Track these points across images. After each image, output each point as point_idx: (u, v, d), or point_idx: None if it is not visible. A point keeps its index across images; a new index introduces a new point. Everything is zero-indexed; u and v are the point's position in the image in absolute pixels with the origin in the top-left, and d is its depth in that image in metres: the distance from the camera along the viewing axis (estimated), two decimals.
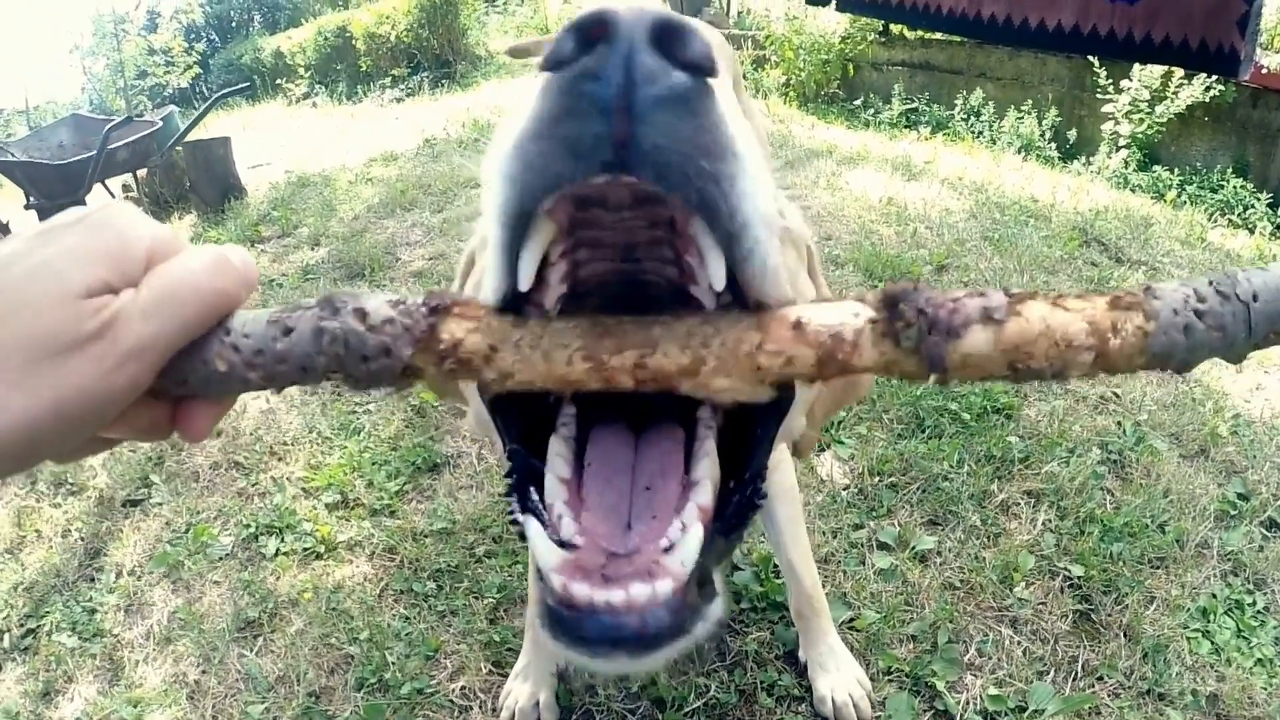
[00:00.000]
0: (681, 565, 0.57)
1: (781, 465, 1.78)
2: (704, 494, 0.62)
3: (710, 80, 0.50)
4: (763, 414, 0.66)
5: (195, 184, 6.11)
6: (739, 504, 0.66)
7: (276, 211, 5.23)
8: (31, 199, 6.03)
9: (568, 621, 0.55)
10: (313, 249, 4.53)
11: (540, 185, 0.51)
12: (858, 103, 7.47)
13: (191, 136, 6.50)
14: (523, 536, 0.63)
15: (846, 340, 0.53)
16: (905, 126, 6.97)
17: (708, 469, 0.63)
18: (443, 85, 10.26)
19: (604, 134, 0.48)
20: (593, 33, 0.48)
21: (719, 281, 0.54)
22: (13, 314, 0.49)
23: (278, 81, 13.80)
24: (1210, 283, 0.54)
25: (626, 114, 0.48)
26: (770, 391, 0.56)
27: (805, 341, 0.53)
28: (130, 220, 0.54)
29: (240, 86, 8.21)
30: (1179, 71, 5.91)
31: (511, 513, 0.66)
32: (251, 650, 2.08)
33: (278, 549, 2.39)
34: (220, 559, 2.39)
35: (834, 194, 4.64)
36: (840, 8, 7.31)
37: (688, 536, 0.58)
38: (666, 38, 0.48)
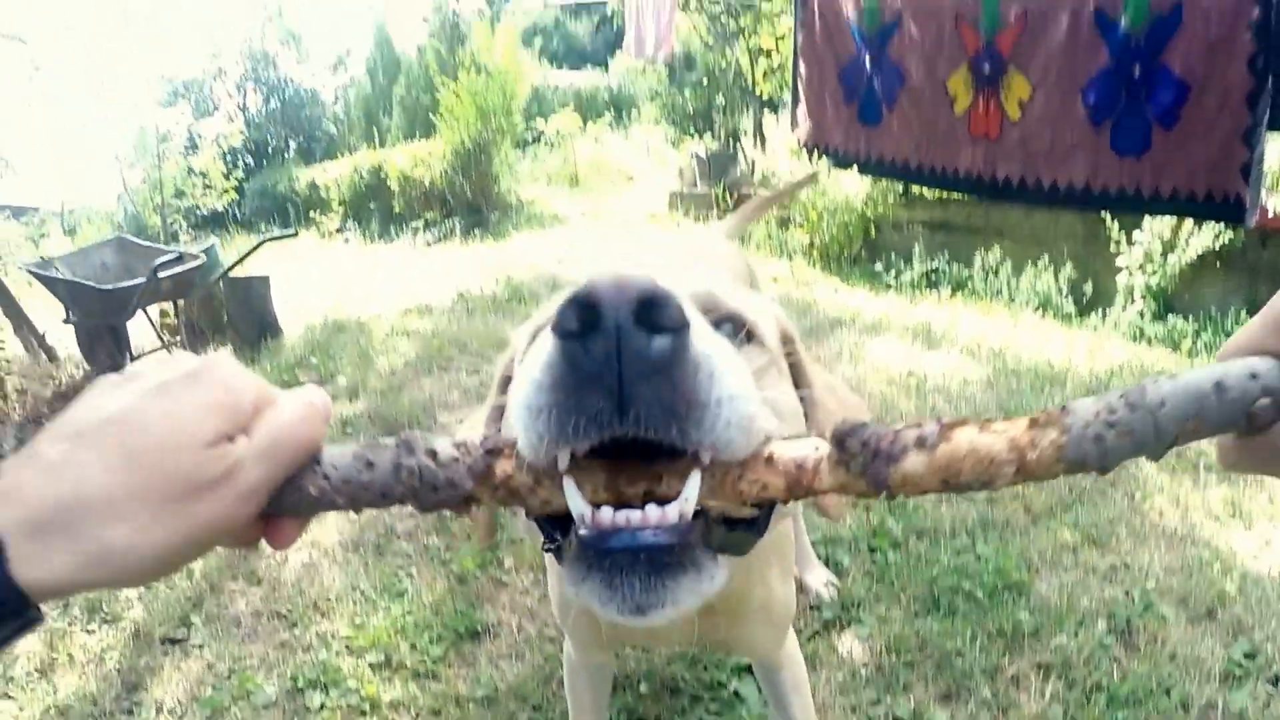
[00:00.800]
0: (686, 502, 0.69)
1: (792, 661, 1.83)
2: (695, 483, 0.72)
3: (685, 332, 0.66)
4: (746, 522, 0.79)
5: (233, 319, 6.39)
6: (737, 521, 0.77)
7: (314, 357, 5.45)
8: (71, 315, 6.31)
9: (593, 543, 0.69)
10: (350, 401, 4.74)
11: (558, 439, 0.67)
12: (879, 266, 7.81)
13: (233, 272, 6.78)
14: (556, 554, 0.79)
15: (808, 469, 0.69)
16: (926, 287, 7.27)
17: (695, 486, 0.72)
18: (475, 233, 10.57)
19: (605, 407, 0.65)
20: (587, 310, 0.63)
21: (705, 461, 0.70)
22: (154, 460, 0.61)
23: (310, 214, 14.26)
24: (1121, 395, 0.64)
25: (619, 382, 0.64)
26: (752, 510, 0.73)
27: (775, 471, 0.70)
28: (237, 375, 0.67)
29: (287, 233, 8.48)
30: (1189, 221, 6.17)
31: (545, 546, 0.84)
32: None
33: (323, 703, 2.49)
34: (265, 707, 2.50)
35: (856, 366, 4.97)
36: (864, 171, 7.81)
37: (689, 485, 0.69)
38: (645, 310, 0.63)
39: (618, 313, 0.62)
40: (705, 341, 0.68)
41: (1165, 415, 0.63)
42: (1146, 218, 6.33)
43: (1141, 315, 6.30)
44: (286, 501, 0.70)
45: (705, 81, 11.84)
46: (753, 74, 10.54)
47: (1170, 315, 6.27)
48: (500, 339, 5.52)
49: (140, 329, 6.44)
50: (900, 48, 7.34)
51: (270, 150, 19.30)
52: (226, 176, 15.06)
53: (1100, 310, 6.57)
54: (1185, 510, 3.52)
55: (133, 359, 5.56)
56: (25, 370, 6.17)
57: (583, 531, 0.69)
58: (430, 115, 13.07)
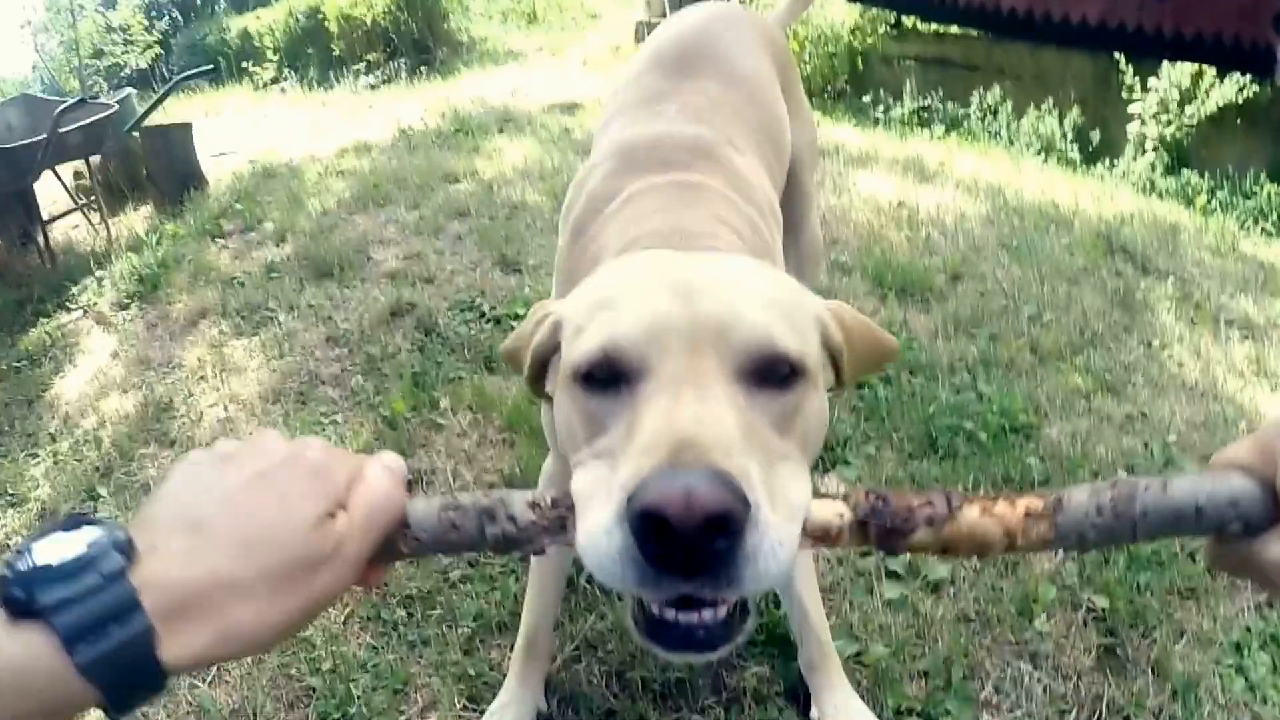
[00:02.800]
0: (727, 601, 0.88)
1: None
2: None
3: (743, 530, 0.78)
4: None
5: (153, 173, 6.09)
6: None
7: (240, 204, 5.21)
8: None
9: (659, 631, 0.89)
10: (278, 245, 4.53)
11: (636, 590, 0.85)
12: (867, 99, 7.49)
13: (150, 121, 6.44)
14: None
15: (832, 533, 0.84)
16: (917, 125, 7.00)
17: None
18: (421, 73, 10.20)
19: (676, 584, 0.82)
20: (660, 525, 0.76)
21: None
22: (271, 547, 0.71)
23: (244, 65, 13.68)
24: (1111, 499, 0.78)
25: (687, 563, 0.79)
26: None
27: (804, 535, 0.84)
28: (329, 456, 0.79)
29: (203, 69, 8.11)
30: (1210, 70, 5.91)
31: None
32: (204, 682, 2.06)
33: None
34: None
35: (841, 196, 4.66)
36: None
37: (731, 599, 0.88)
38: (712, 525, 0.76)
39: (689, 530, 0.75)
40: (758, 529, 0.79)
41: (1145, 524, 0.77)
42: (1165, 64, 6.01)
43: (1153, 167, 6.08)
44: (379, 557, 0.82)
45: None
46: None
47: (1184, 170, 6.05)
48: (445, 172, 5.24)
49: (52, 193, 6.06)
50: None
51: (199, 1, 18.27)
52: (149, 29, 14.26)
53: (1108, 160, 6.34)
54: (1207, 363, 3.32)
55: (44, 225, 5.43)
56: None
57: (655, 611, 0.89)
58: None
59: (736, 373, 0.96)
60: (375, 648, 2.10)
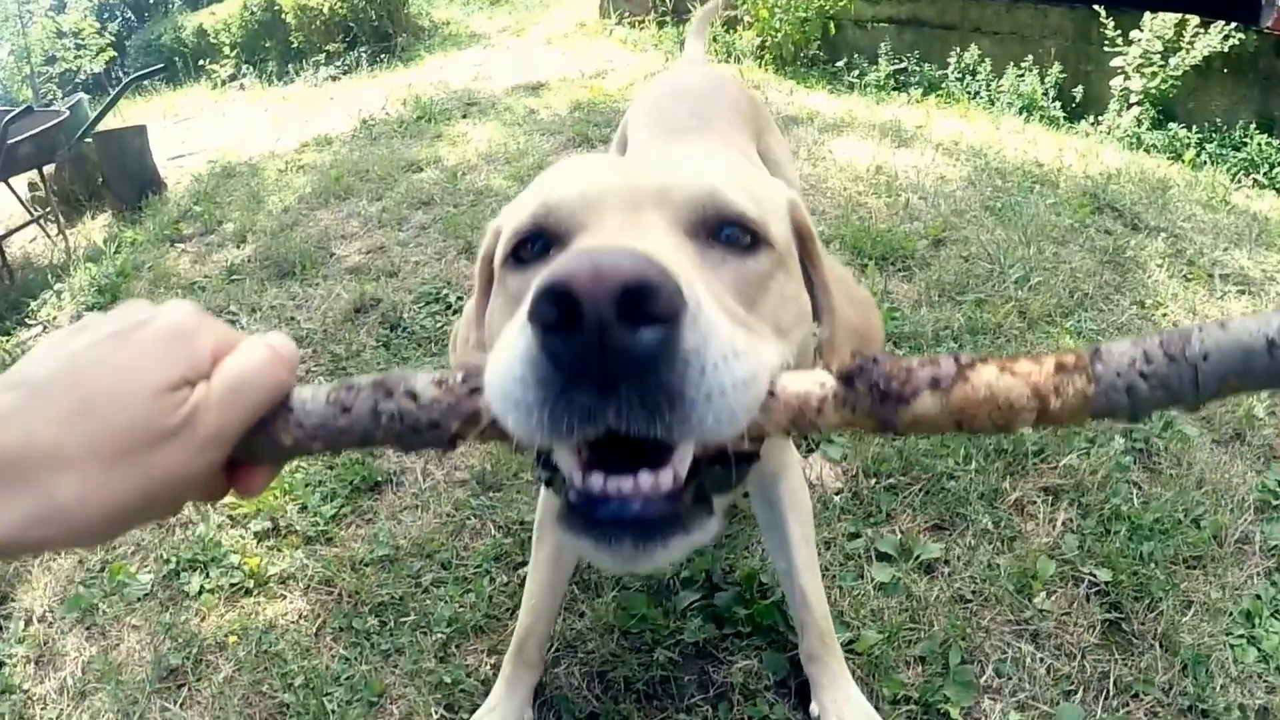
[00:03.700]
0: (680, 465, 0.73)
1: (790, 470, 1.81)
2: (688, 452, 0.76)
3: (676, 321, 0.65)
4: (741, 453, 0.80)
5: (109, 179, 6.00)
6: (727, 457, 0.78)
7: (199, 206, 5.14)
8: None
9: (582, 509, 0.73)
10: (238, 247, 4.46)
11: (548, 437, 0.67)
12: (840, 64, 7.42)
13: (104, 126, 6.34)
14: (549, 483, 0.85)
15: (812, 406, 0.70)
16: (894, 89, 6.92)
17: (689, 452, 0.76)
18: (382, 61, 10.13)
19: (592, 405, 0.65)
20: (566, 303, 0.62)
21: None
22: (106, 409, 0.62)
23: (201, 63, 13.63)
24: (1161, 344, 0.64)
25: (605, 377, 0.64)
26: (753, 445, 0.75)
27: (777, 410, 0.70)
28: (192, 320, 0.69)
29: (154, 69, 8.01)
30: (1194, 20, 5.90)
31: (538, 476, 0.89)
32: (175, 702, 2.03)
33: (201, 586, 2.33)
34: (139, 600, 2.32)
35: (816, 165, 4.59)
36: None
37: (682, 449, 0.73)
38: (631, 300, 0.62)
39: (599, 308, 0.61)
40: (700, 328, 0.67)
41: (1207, 370, 0.63)
42: (1146, 14, 6.04)
43: (1139, 122, 6.06)
44: (259, 451, 0.72)
45: None
46: None
47: (1171, 123, 6.03)
48: (408, 161, 5.21)
49: (7, 206, 6.02)
50: None
51: (152, 1, 18.08)
52: (101, 32, 14.15)
53: (1092, 116, 6.32)
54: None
55: (0, 241, 5.36)
56: None
57: (572, 496, 0.73)
58: None
59: (685, 229, 0.92)
60: (348, 659, 2.06)
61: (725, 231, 0.94)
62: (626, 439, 0.68)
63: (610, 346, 0.62)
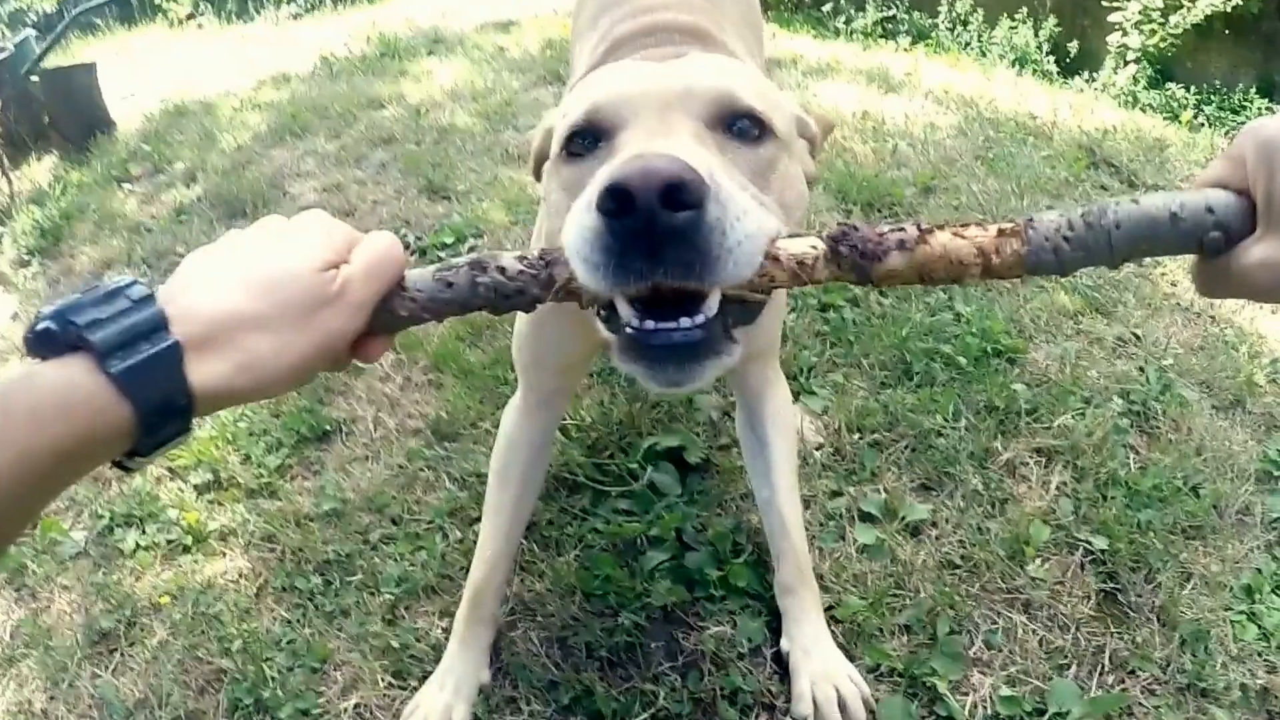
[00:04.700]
0: (709, 308, 0.96)
1: (775, 388, 1.90)
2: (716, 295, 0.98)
3: (703, 204, 0.87)
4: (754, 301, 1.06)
5: (56, 119, 5.90)
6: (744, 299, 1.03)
7: (148, 145, 5.02)
8: None
9: (638, 341, 0.97)
10: (187, 186, 4.35)
11: (612, 287, 0.91)
12: (826, 9, 7.34)
13: (51, 64, 6.21)
14: (609, 324, 1.04)
15: (807, 264, 0.91)
16: (881, 37, 6.87)
17: (716, 297, 0.98)
18: None
19: (644, 265, 0.88)
20: (622, 196, 0.85)
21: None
22: (285, 286, 0.81)
23: (157, 1, 13.42)
24: (1082, 213, 0.83)
25: (652, 244, 0.87)
26: (763, 297, 1.03)
27: (780, 267, 0.91)
28: (330, 220, 0.91)
29: (101, 2, 7.83)
30: None
31: (601, 323, 1.07)
32: (107, 669, 1.96)
33: (137, 543, 2.26)
34: (71, 558, 2.26)
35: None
36: None
37: (711, 298, 0.96)
38: (670, 193, 0.85)
39: (648, 200, 0.85)
40: (719, 201, 0.90)
41: (1120, 236, 0.82)
42: None
43: (1135, 80, 6.05)
44: (380, 322, 0.91)
45: None
46: None
47: (1169, 83, 6.01)
48: (369, 98, 5.05)
49: None
50: None
51: None
52: None
53: (1087, 72, 6.29)
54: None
55: None
56: None
57: (629, 330, 0.98)
58: None
59: (705, 122, 1.12)
60: (290, 621, 1.99)
61: (738, 124, 1.14)
62: (667, 297, 0.93)
63: (657, 225, 0.86)
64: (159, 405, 0.72)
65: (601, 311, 1.06)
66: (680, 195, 0.86)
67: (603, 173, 0.94)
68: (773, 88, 1.32)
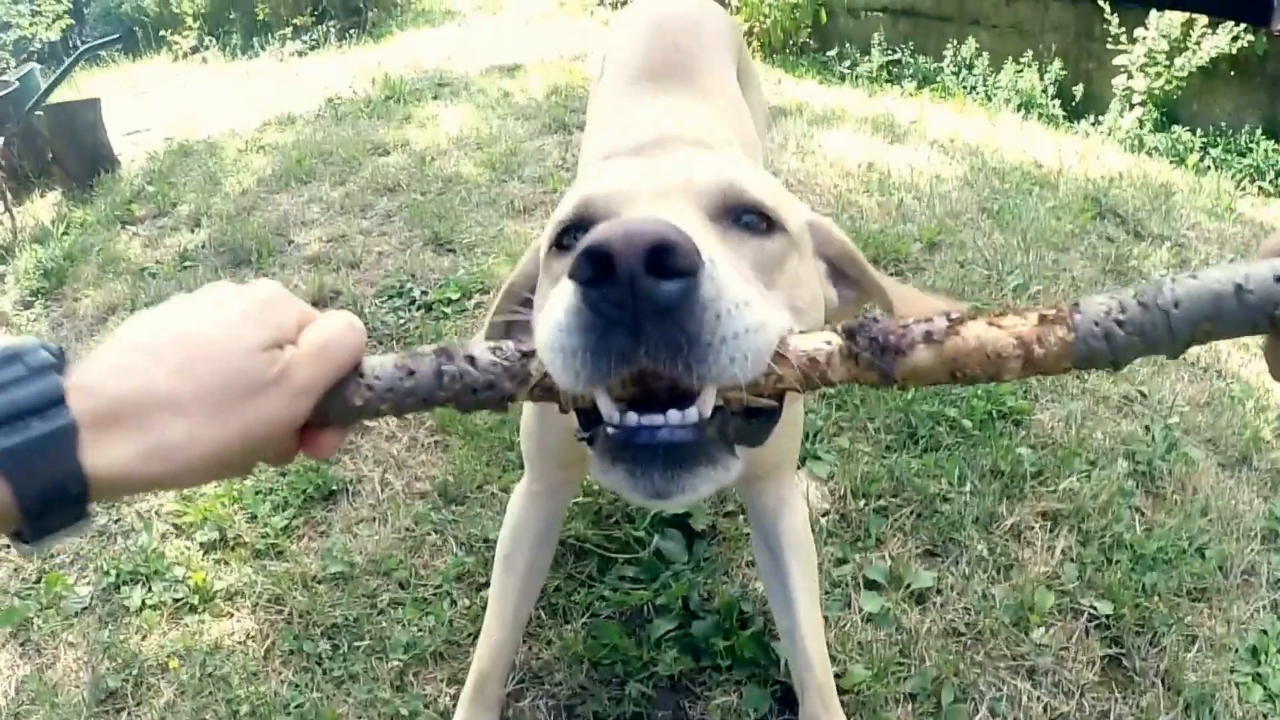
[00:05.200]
0: (703, 405, 0.84)
1: (792, 508, 1.78)
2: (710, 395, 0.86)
3: (696, 275, 0.77)
4: (766, 411, 0.94)
5: (60, 155, 5.90)
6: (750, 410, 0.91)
7: (153, 186, 5.07)
8: None
9: (619, 440, 0.85)
10: (192, 231, 4.38)
11: (590, 379, 0.80)
12: (832, 54, 7.42)
13: (56, 99, 6.24)
14: (589, 441, 0.93)
15: (821, 362, 0.82)
16: (886, 81, 6.93)
17: (711, 395, 0.86)
18: (352, 36, 10.04)
19: (627, 346, 0.77)
20: (602, 261, 0.74)
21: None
22: (214, 365, 0.74)
23: (162, 34, 13.54)
24: (1135, 294, 0.73)
25: (635, 322, 0.76)
26: (769, 401, 0.89)
27: (789, 365, 0.81)
28: (282, 294, 0.83)
29: (109, 39, 7.91)
30: (1201, 19, 5.87)
31: (579, 435, 0.98)
32: None
33: (143, 601, 2.26)
34: (76, 614, 2.26)
35: (805, 159, 4.56)
36: None
37: (705, 393, 0.84)
38: (656, 258, 0.74)
39: (630, 263, 0.74)
40: (716, 282, 0.80)
41: (1179, 316, 0.71)
42: (1152, 12, 6.00)
43: (1141, 124, 6.06)
44: (332, 411, 0.83)
45: None
46: None
47: (1174, 126, 6.04)
48: (375, 143, 5.13)
49: None
50: None
51: None
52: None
53: (1093, 116, 6.32)
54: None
55: None
56: None
57: (610, 430, 0.86)
58: None
59: (708, 213, 1.05)
60: (298, 685, 2.01)
61: (744, 217, 1.07)
62: (656, 393, 0.83)
63: (639, 295, 0.75)
64: (43, 491, 0.66)
65: (582, 418, 0.95)
66: (668, 260, 0.75)
67: (582, 240, 0.80)
68: (783, 189, 1.26)
